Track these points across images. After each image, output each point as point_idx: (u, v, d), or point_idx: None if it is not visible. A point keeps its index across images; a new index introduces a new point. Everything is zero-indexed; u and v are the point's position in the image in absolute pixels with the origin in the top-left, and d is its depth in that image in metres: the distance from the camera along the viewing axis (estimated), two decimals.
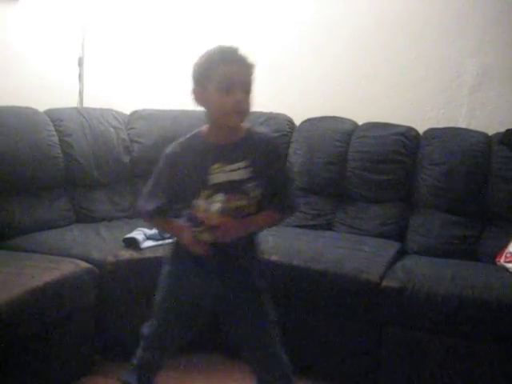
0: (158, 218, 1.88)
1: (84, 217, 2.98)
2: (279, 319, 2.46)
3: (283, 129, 3.25)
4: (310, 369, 2.47)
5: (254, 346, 1.85)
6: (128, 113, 3.37)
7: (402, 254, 2.75)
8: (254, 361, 1.87)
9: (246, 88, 1.71)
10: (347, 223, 3.01)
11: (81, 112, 3.17)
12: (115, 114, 3.30)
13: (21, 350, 2.00)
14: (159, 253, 2.40)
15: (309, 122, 3.25)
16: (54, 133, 2.95)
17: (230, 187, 1.74)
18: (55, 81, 3.28)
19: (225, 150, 1.76)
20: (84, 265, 2.33)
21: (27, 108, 2.91)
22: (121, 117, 3.30)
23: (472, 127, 3.03)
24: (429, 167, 2.92)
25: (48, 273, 2.17)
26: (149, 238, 2.61)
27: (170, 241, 2.09)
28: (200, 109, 1.75)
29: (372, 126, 3.11)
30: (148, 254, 2.51)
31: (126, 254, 2.50)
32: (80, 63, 3.39)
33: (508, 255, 2.56)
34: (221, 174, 1.74)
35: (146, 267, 2.41)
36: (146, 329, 1.90)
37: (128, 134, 3.27)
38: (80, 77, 3.40)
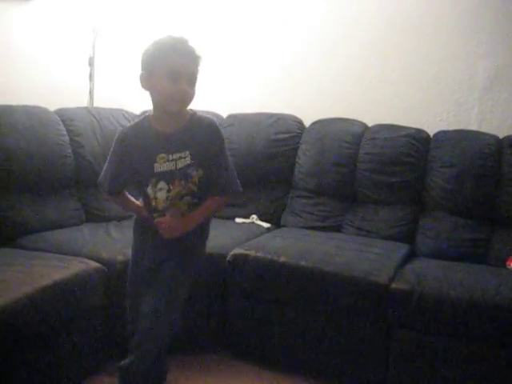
0: (115, 195, 2.06)
1: (94, 216, 2.99)
2: (287, 320, 2.48)
3: (293, 130, 3.26)
4: (317, 370, 2.48)
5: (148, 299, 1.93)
6: (138, 113, 3.37)
7: (411, 256, 2.73)
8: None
9: (191, 79, 1.85)
10: (356, 225, 3.00)
11: (91, 112, 3.18)
12: (125, 113, 3.32)
13: (29, 349, 2.01)
14: None
15: (319, 123, 3.25)
16: (65, 132, 2.96)
17: (171, 176, 1.88)
18: (66, 80, 3.31)
19: (169, 139, 1.88)
20: (94, 264, 2.33)
21: (38, 107, 2.91)
22: (131, 117, 3.30)
23: (483, 130, 3.02)
24: (439, 169, 2.91)
25: (57, 272, 2.17)
26: None
27: None
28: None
29: (382, 128, 3.10)
30: None
31: None
32: (90, 63, 3.41)
33: None
34: (164, 163, 1.87)
35: None
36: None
37: None
38: (90, 77, 3.42)
